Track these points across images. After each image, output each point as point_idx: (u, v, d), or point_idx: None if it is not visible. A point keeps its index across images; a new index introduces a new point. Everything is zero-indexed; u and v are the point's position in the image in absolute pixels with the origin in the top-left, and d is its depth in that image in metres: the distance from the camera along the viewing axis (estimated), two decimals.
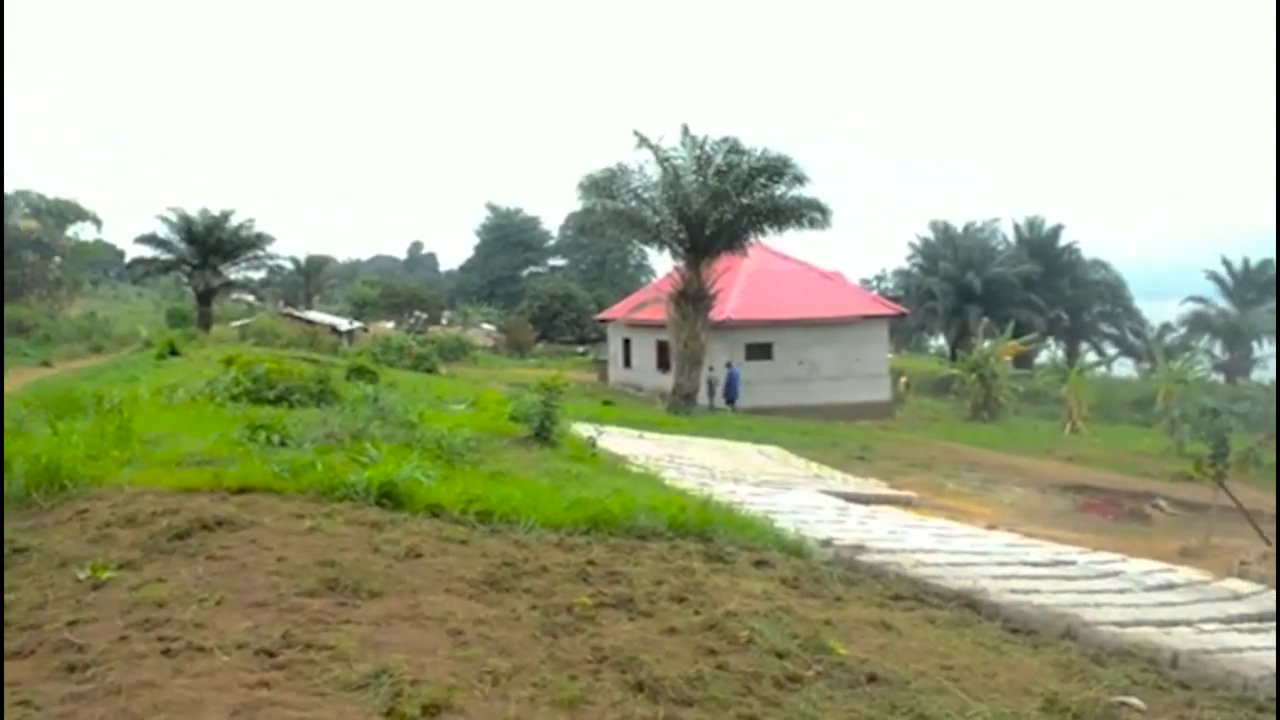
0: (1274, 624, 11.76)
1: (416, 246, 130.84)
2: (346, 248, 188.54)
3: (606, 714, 4.20)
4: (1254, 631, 10.81)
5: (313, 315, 68.27)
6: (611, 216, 36.54)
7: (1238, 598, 12.76)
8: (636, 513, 8.22)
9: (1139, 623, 10.09)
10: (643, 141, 34.52)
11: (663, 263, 43.53)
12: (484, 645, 4.77)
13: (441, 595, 5.53)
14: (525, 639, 4.97)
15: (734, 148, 34.47)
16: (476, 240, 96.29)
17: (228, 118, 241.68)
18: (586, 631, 5.19)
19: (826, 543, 11.48)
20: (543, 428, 14.46)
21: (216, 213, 58.43)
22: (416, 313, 77.88)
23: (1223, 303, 65.54)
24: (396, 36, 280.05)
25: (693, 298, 34.58)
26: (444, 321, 78.45)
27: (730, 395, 36.37)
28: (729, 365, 36.60)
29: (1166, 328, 65.22)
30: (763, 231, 35.57)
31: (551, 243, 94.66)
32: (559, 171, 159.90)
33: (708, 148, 34.66)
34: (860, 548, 11.62)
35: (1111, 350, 65.70)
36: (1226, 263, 67.26)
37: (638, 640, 5.12)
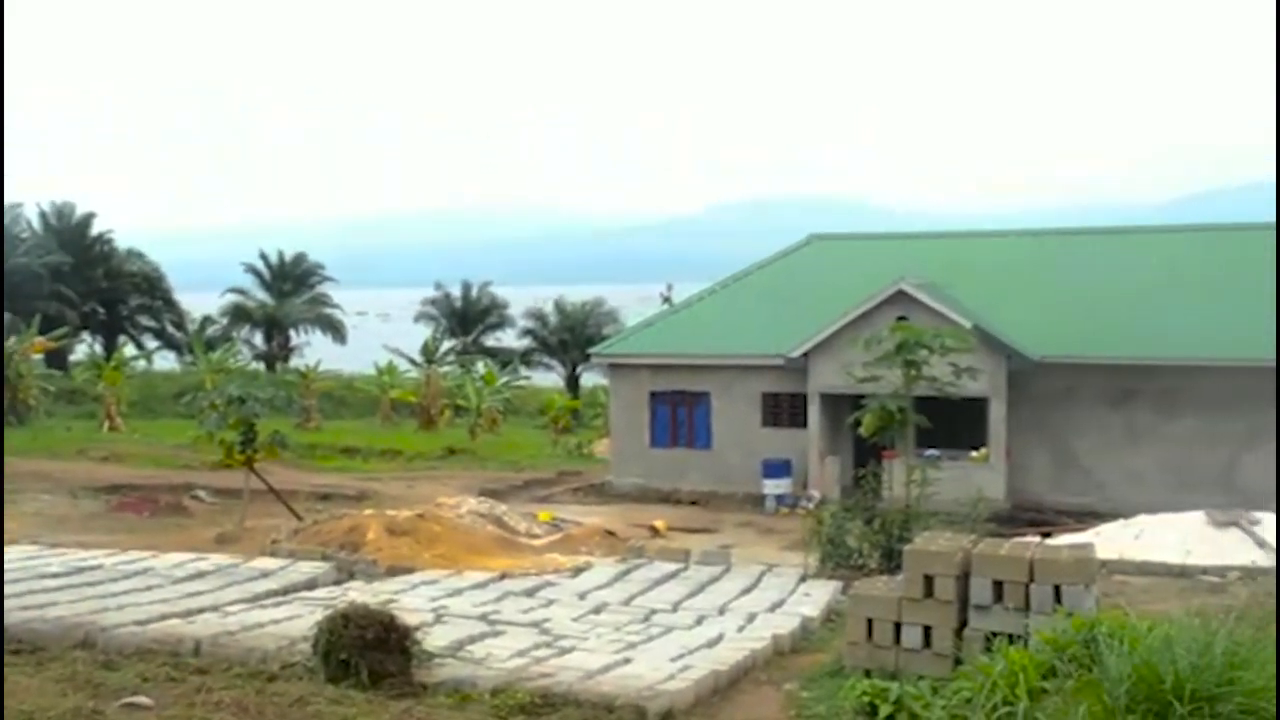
0: (299, 592, 12.66)
1: None
2: None
3: None
4: (277, 605, 11.54)
5: None
6: None
7: (266, 575, 13.53)
8: None
9: (164, 616, 10.12)
10: None
11: None
12: None
13: None
14: None
15: None
16: None
17: None
18: None
19: None
20: None
21: None
22: None
23: (262, 295, 68.93)
24: None
25: None
26: None
27: None
28: None
29: (208, 320, 66.71)
30: None
31: None
32: None
33: None
34: None
35: (153, 343, 65.29)
36: (264, 256, 70.90)
37: None
